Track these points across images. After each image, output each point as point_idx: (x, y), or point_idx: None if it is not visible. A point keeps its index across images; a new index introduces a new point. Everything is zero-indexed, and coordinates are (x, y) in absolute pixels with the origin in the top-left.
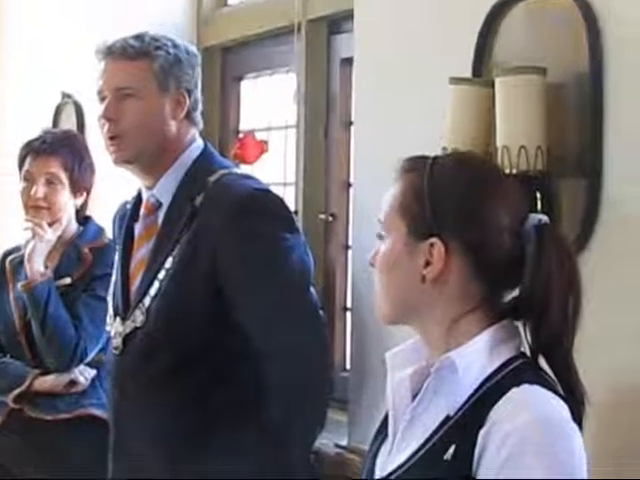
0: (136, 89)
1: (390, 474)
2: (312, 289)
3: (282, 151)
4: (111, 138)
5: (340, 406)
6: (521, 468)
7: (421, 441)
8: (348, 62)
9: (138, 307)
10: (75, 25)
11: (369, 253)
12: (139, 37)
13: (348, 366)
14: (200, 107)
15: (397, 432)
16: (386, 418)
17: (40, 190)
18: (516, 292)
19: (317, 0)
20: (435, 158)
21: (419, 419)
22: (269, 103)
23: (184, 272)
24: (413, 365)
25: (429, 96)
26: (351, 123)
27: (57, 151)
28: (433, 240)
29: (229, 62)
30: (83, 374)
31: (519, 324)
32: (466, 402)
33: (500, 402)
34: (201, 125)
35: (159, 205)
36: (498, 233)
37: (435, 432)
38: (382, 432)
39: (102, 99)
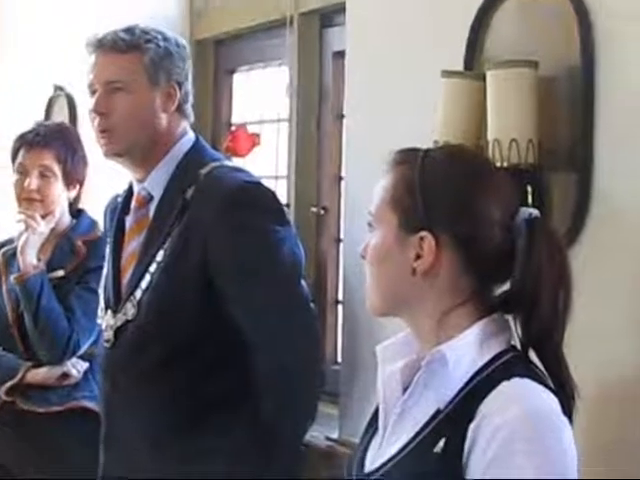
0: (126, 83)
1: (380, 467)
2: (303, 282)
3: (274, 144)
4: (102, 131)
5: (331, 399)
6: (511, 461)
7: (411, 434)
8: (340, 55)
9: (129, 300)
10: (67, 18)
11: (360, 246)
12: (129, 30)
13: (339, 359)
14: (191, 100)
15: (387, 425)
16: (377, 411)
17: (33, 182)
18: (507, 286)
19: None
20: (427, 151)
21: (409, 412)
22: (261, 96)
23: (175, 265)
24: (404, 358)
25: (421, 89)
26: (343, 116)
27: (50, 144)
28: (424, 234)
29: (222, 55)
30: (75, 367)
31: (509, 318)
32: (456, 395)
33: (490, 395)
34: (192, 118)
35: (150, 198)
36: (489, 227)
37: (425, 425)
38: (373, 425)
39: (93, 93)
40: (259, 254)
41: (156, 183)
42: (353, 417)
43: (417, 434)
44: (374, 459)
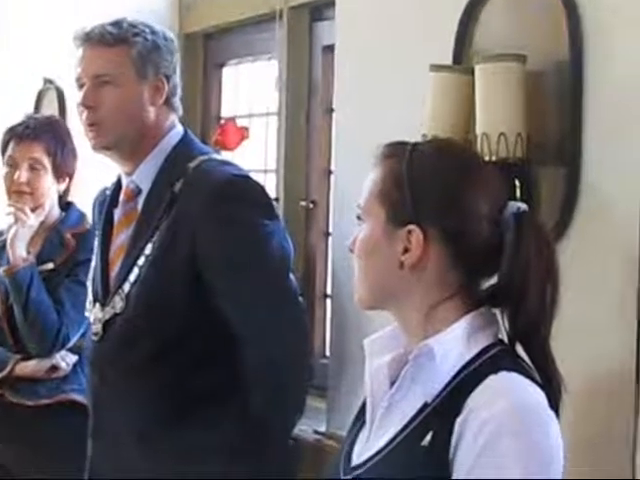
0: (114, 76)
1: (367, 460)
2: (292, 275)
3: (263, 138)
4: (90, 125)
5: (319, 393)
6: (498, 455)
7: (399, 428)
8: (330, 49)
9: (117, 293)
10: (57, 11)
11: (349, 240)
12: (117, 23)
13: (328, 353)
14: (179, 93)
15: (375, 419)
16: (364, 405)
17: (23, 175)
18: (494, 280)
19: None
20: (415, 145)
21: (397, 406)
22: (251, 90)
23: (164, 258)
24: (391, 352)
25: (410, 83)
26: (332, 110)
27: (40, 136)
28: (411, 227)
29: (211, 49)
30: (65, 359)
31: (497, 311)
32: (444, 389)
33: (477, 389)
34: (180, 111)
35: (139, 191)
36: (477, 221)
37: (413, 419)
38: (360, 419)
39: (80, 86)
40: (248, 248)
41: (144, 176)
42: (341, 411)
43: (404, 427)
44: (361, 452)
